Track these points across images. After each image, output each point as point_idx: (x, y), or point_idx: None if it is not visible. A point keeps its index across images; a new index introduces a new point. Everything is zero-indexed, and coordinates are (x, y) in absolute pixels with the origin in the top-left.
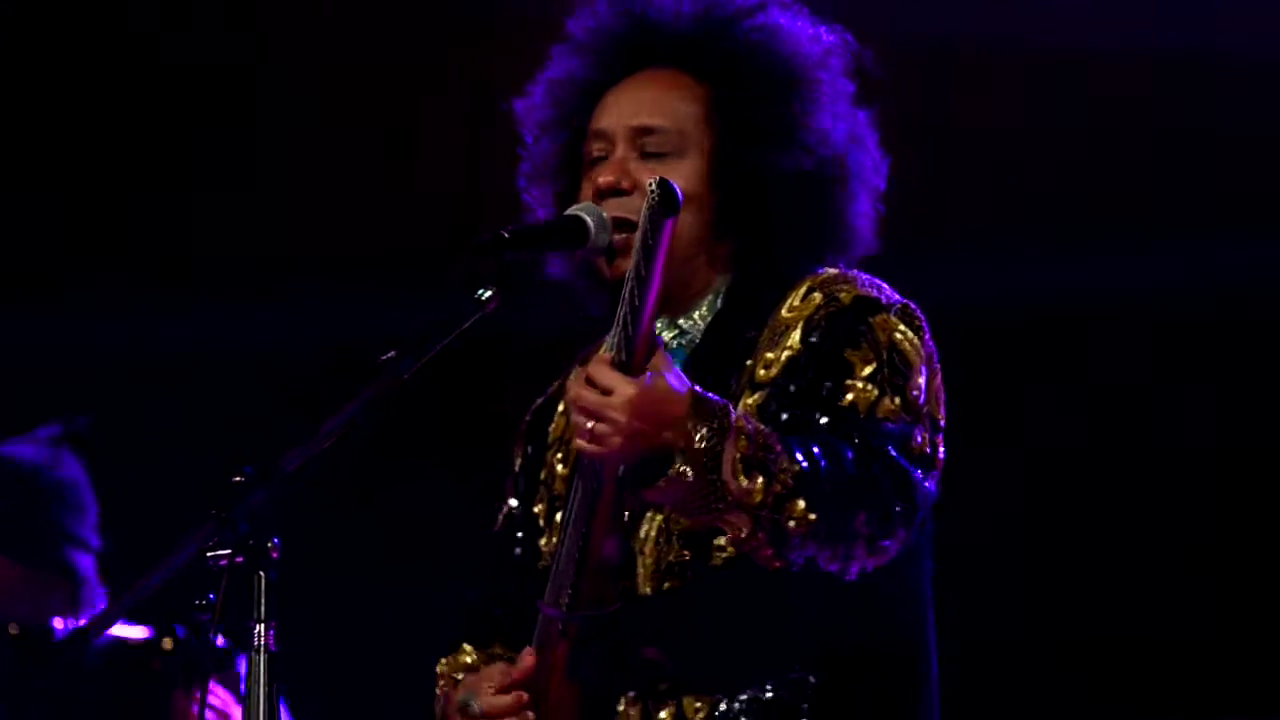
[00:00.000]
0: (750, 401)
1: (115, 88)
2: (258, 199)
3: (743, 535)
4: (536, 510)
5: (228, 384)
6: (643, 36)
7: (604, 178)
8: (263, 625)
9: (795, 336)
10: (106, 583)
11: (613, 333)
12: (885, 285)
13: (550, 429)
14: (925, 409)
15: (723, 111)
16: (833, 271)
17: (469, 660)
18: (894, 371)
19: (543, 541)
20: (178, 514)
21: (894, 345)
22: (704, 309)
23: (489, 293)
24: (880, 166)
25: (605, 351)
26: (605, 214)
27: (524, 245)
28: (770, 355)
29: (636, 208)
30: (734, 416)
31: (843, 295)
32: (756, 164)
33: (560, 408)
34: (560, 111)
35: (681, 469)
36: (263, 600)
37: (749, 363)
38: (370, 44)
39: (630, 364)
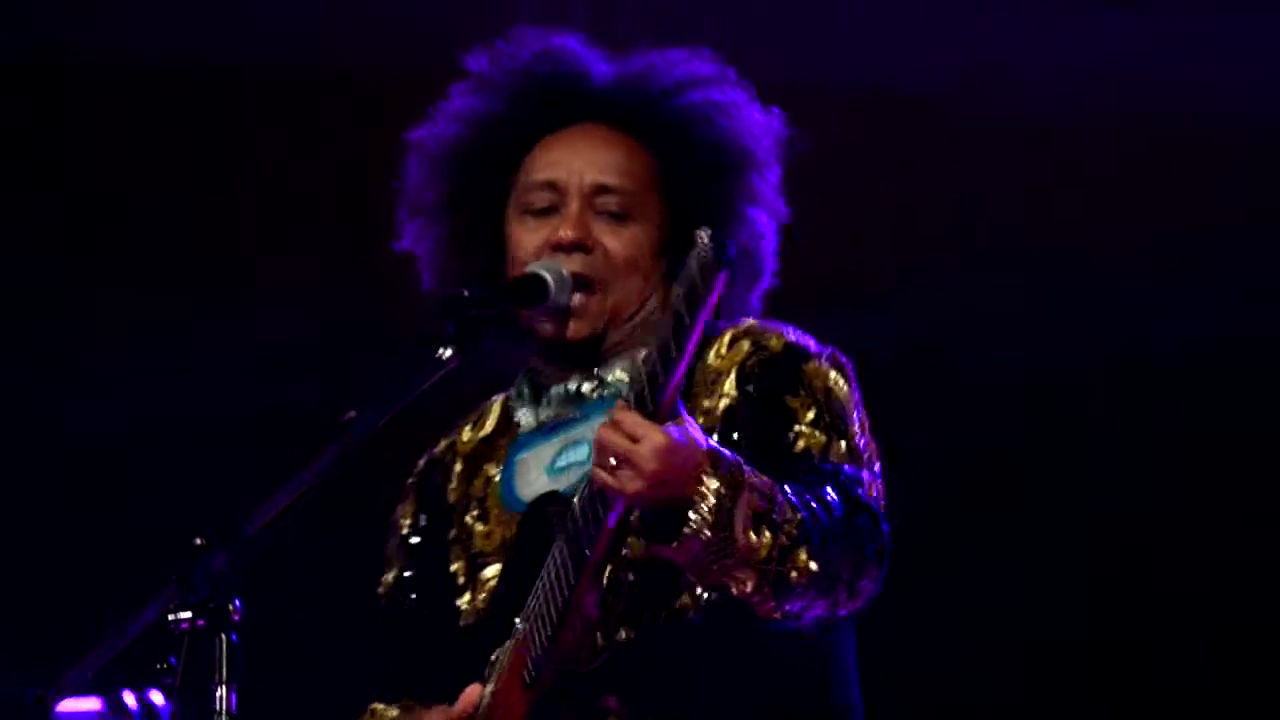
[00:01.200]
0: None
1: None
2: (214, 252)
3: (748, 589)
4: (454, 569)
5: (188, 447)
6: (578, 89)
7: (567, 233)
8: (224, 688)
9: (729, 384)
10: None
11: (633, 381)
12: (808, 334)
13: (449, 489)
14: (867, 454)
15: (674, 183)
16: (751, 321)
17: (392, 715)
18: (834, 417)
19: (464, 600)
20: (139, 580)
21: (829, 392)
22: (625, 365)
23: (449, 351)
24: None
25: (622, 400)
26: (565, 271)
27: (484, 305)
28: (707, 403)
29: (596, 266)
30: (747, 473)
31: (772, 343)
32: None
33: (458, 467)
34: (473, 149)
35: (696, 525)
36: (224, 663)
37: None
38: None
39: (656, 413)
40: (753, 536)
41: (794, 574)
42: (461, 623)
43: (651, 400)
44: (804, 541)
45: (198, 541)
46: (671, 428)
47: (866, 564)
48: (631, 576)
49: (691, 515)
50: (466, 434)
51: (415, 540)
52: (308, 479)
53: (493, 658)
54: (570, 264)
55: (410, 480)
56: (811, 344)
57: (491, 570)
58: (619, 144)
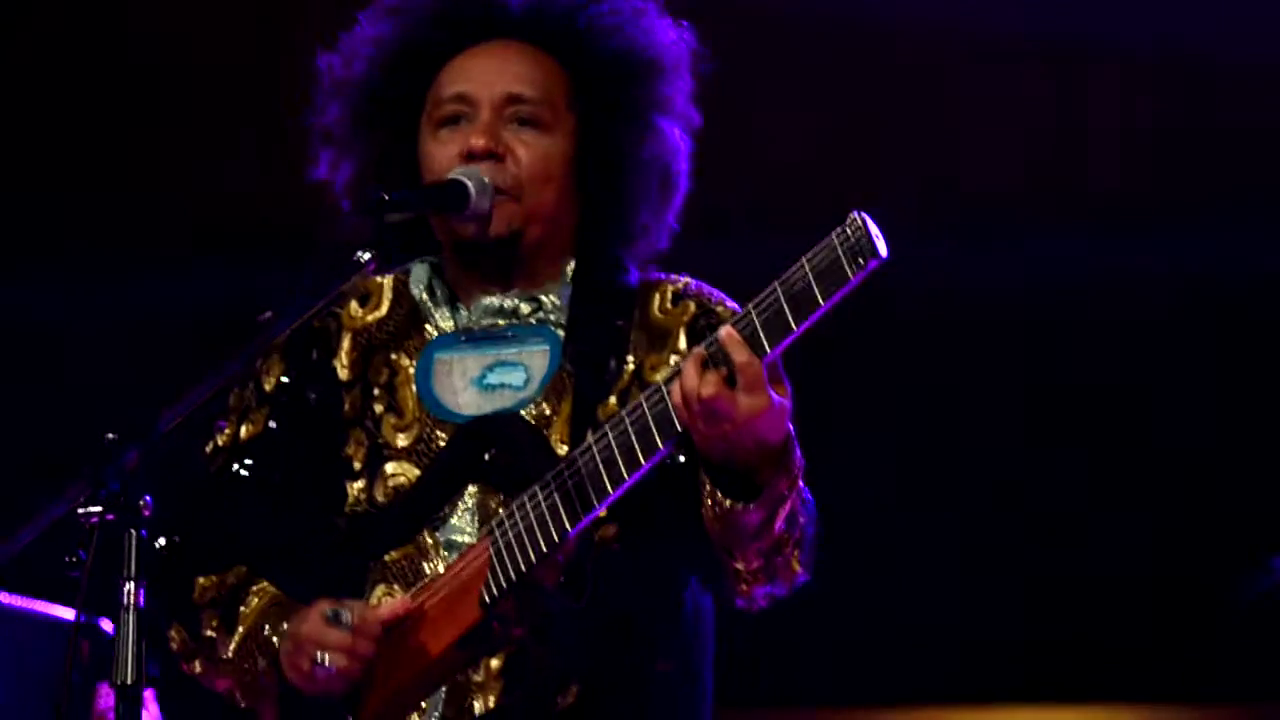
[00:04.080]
0: None
1: None
2: (128, 164)
3: (752, 567)
4: (350, 451)
5: (104, 344)
6: (486, 7)
7: (478, 140)
8: (133, 583)
9: (682, 343)
10: None
11: (743, 324)
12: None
13: (337, 363)
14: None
15: (585, 94)
16: (685, 280)
17: (270, 590)
18: None
19: (356, 487)
20: (53, 473)
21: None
22: (556, 290)
23: (367, 255)
24: (689, 171)
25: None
26: (485, 178)
27: (405, 208)
28: (657, 357)
29: (508, 175)
30: (799, 459)
31: (719, 309)
32: (617, 150)
33: (345, 342)
34: (384, 73)
35: (765, 502)
36: (133, 558)
37: (629, 358)
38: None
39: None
40: (780, 526)
41: (783, 571)
42: (346, 508)
43: (753, 357)
44: (799, 545)
45: (110, 436)
46: (774, 395)
47: (809, 572)
48: (613, 532)
49: (759, 486)
50: (355, 309)
51: (284, 399)
52: (221, 377)
53: (408, 559)
54: (484, 172)
55: (278, 337)
56: None
57: (396, 467)
58: (528, 56)
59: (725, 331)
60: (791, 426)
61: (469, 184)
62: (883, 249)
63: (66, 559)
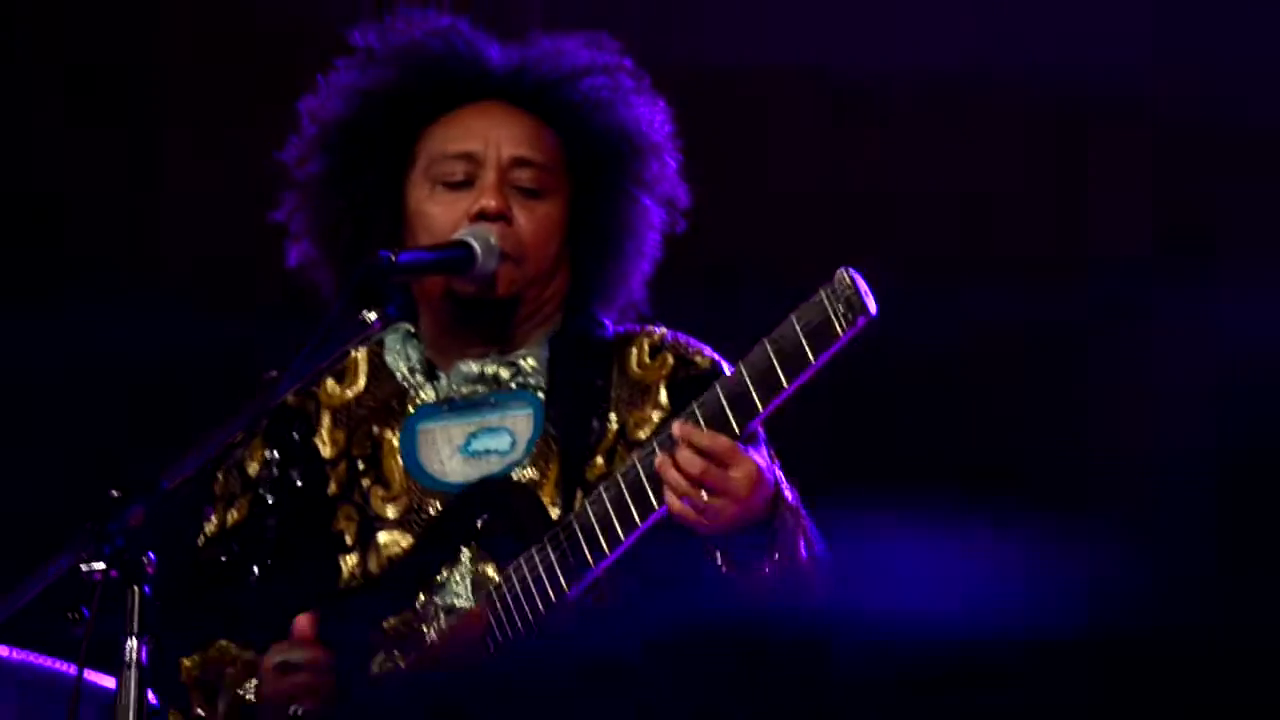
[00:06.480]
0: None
1: None
2: (132, 206)
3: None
4: (341, 527)
5: (107, 398)
6: (478, 68)
7: (489, 202)
8: (135, 640)
9: (663, 398)
10: None
11: (712, 399)
12: (715, 351)
13: (318, 441)
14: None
15: (578, 165)
16: (661, 330)
17: (247, 656)
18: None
19: (350, 560)
20: (55, 528)
21: None
22: (534, 354)
23: (374, 314)
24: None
25: (688, 421)
26: (492, 239)
27: (414, 270)
28: (639, 414)
29: (513, 240)
30: (790, 497)
31: (697, 360)
32: (610, 225)
33: (325, 420)
34: (370, 122)
35: (780, 552)
36: (136, 615)
37: (612, 416)
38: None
39: (737, 438)
40: (803, 552)
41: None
42: (340, 583)
43: (738, 423)
44: (819, 574)
45: (114, 493)
46: (752, 452)
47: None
48: (613, 588)
49: (769, 539)
50: (332, 387)
51: (268, 482)
52: (226, 434)
53: (407, 625)
54: (492, 234)
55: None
56: (724, 361)
57: (388, 537)
58: (527, 120)
59: (679, 429)
60: (778, 474)
61: (476, 245)
62: (872, 306)
63: (69, 615)
